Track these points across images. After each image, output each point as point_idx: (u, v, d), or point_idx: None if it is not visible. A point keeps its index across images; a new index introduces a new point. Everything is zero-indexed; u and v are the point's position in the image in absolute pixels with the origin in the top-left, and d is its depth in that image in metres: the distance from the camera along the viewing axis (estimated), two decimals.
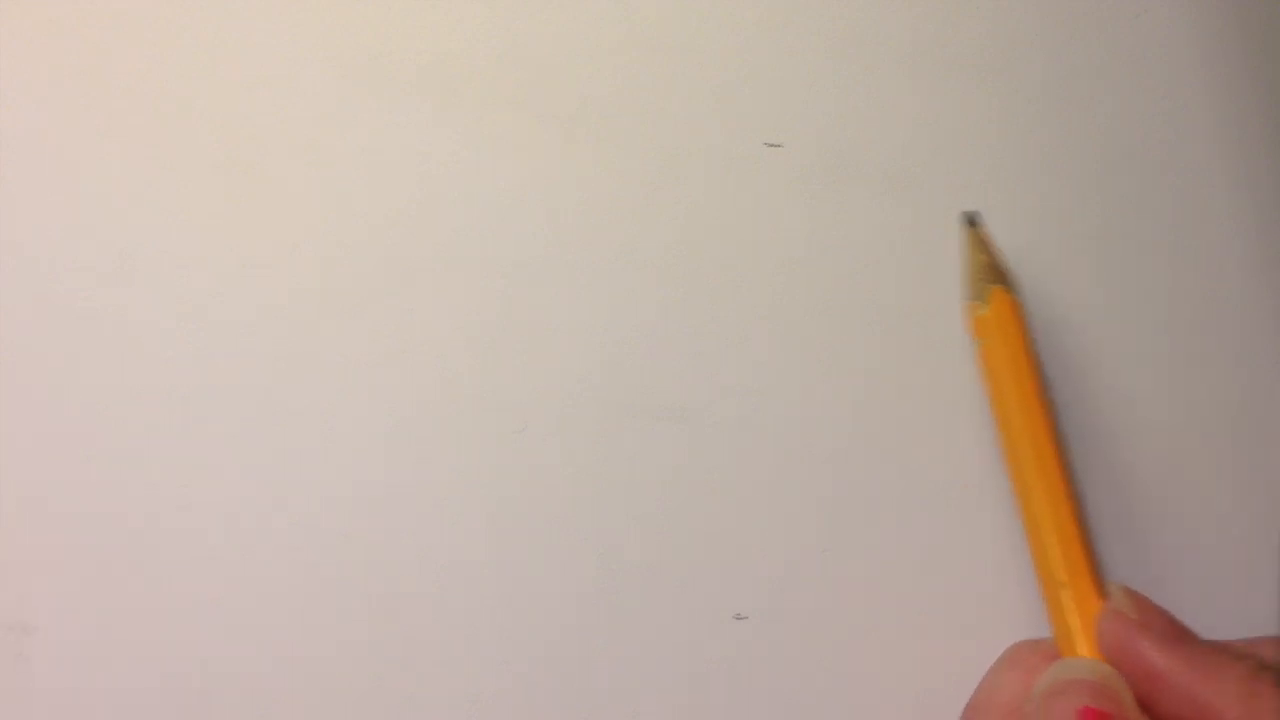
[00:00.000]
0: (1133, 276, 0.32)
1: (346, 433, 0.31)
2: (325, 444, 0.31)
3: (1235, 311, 0.32)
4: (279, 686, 0.30)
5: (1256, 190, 0.32)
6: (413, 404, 0.31)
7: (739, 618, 0.31)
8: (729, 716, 0.30)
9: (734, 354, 0.31)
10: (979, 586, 0.31)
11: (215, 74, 0.31)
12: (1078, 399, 0.32)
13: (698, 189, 0.31)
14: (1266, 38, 0.33)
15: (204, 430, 0.30)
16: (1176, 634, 0.24)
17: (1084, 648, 0.26)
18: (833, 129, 0.32)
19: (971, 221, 0.30)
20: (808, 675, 0.31)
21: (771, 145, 0.32)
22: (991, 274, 0.29)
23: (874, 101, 0.32)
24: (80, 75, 0.31)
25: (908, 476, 0.31)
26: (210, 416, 0.30)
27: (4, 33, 0.31)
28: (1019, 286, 0.30)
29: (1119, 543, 0.31)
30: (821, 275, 0.32)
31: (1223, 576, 0.31)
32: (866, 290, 0.32)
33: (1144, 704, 0.24)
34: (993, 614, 0.30)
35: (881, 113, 0.32)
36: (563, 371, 0.31)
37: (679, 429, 0.31)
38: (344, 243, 0.31)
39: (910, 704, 0.30)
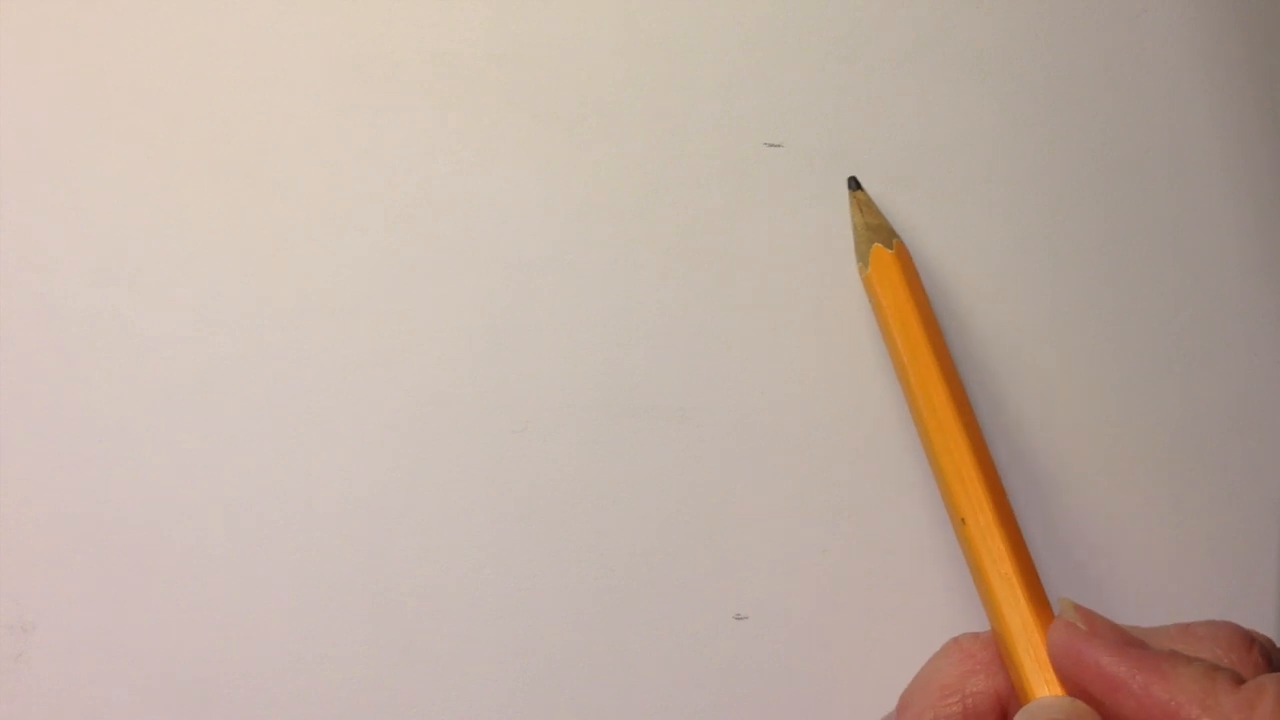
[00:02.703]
0: (1133, 277, 0.32)
1: (346, 433, 0.31)
2: (325, 444, 0.31)
3: (1236, 311, 0.32)
4: (279, 686, 0.30)
5: (1256, 190, 0.32)
6: (413, 404, 0.31)
7: (739, 618, 0.31)
8: (729, 716, 0.30)
9: (734, 354, 0.31)
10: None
11: (215, 73, 0.31)
12: (1077, 398, 0.32)
13: (698, 189, 0.31)
14: (1266, 38, 0.33)
15: (204, 430, 0.30)
16: (1127, 640, 0.24)
17: (1031, 662, 0.25)
18: (833, 129, 0.32)
19: (852, 186, 0.30)
20: (808, 675, 0.31)
21: (771, 145, 0.32)
22: (872, 234, 0.30)
23: (874, 101, 0.32)
24: (80, 75, 0.31)
25: (909, 477, 0.31)
26: (210, 416, 0.30)
27: (4, 33, 0.31)
28: (900, 241, 0.30)
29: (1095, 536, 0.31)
30: (822, 275, 0.32)
31: (1188, 575, 0.31)
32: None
33: (1103, 714, 0.24)
34: None
35: (881, 113, 0.32)
36: (563, 371, 0.31)
37: (679, 429, 0.31)
38: (344, 242, 0.31)
39: None
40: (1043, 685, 0.25)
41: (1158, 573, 0.31)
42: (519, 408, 0.31)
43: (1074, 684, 0.25)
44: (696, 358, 0.31)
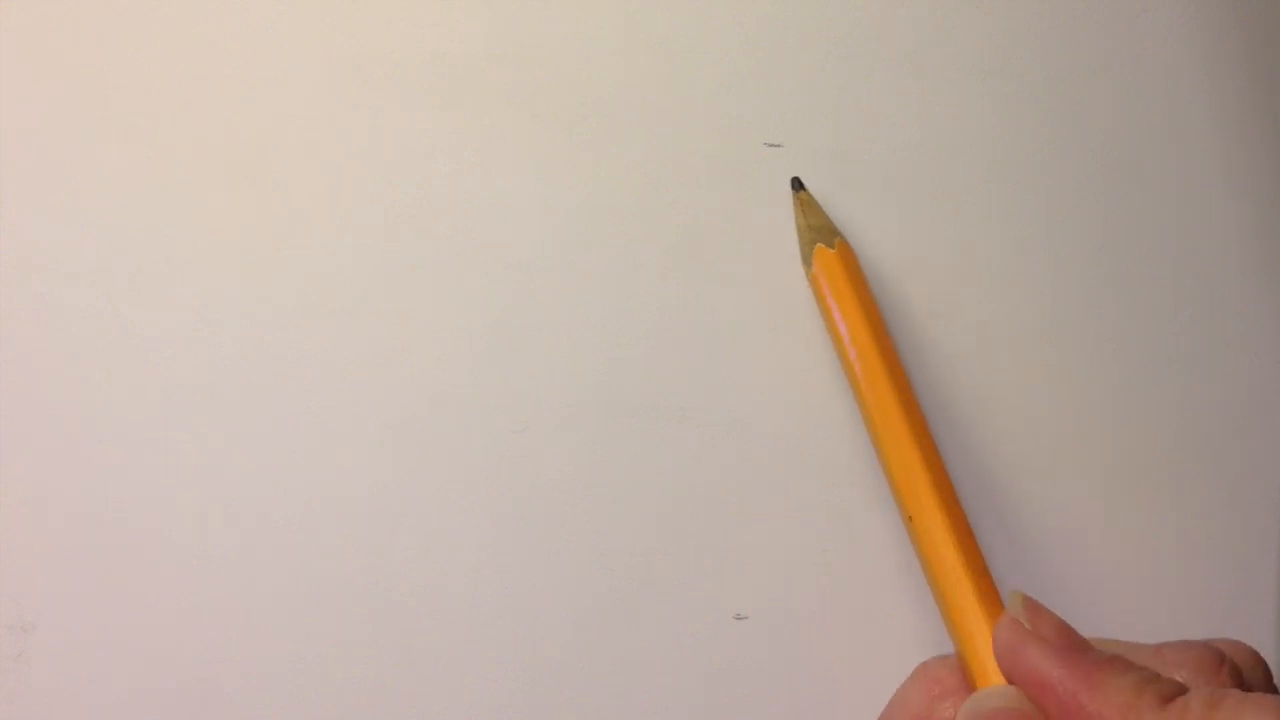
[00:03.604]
0: (1133, 277, 0.32)
1: (346, 433, 0.31)
2: (325, 444, 0.31)
3: (1236, 311, 0.32)
4: (279, 686, 0.30)
5: (1256, 190, 0.32)
6: (413, 404, 0.31)
7: (739, 618, 0.31)
8: (729, 716, 0.30)
9: (734, 354, 0.31)
10: None
11: (215, 73, 0.31)
12: (1072, 399, 0.32)
13: (698, 189, 0.31)
14: (1266, 37, 0.33)
15: (204, 430, 0.30)
16: (1069, 644, 0.24)
17: (982, 655, 0.25)
18: (833, 129, 0.32)
19: (795, 187, 0.30)
20: (808, 675, 0.31)
21: (771, 145, 0.32)
22: (814, 234, 0.30)
23: (874, 101, 0.32)
24: (80, 75, 0.31)
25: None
26: (210, 416, 0.30)
27: (4, 33, 0.31)
28: (843, 240, 0.29)
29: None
30: None
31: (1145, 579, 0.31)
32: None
33: (1043, 715, 0.24)
34: None
35: (881, 113, 0.32)
36: (563, 371, 0.31)
37: (679, 429, 0.31)
38: (344, 242, 0.31)
39: None
40: (990, 677, 0.25)
41: (1158, 573, 0.31)
42: (519, 408, 0.31)
43: (1014, 681, 0.25)
44: (696, 358, 0.31)
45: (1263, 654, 0.26)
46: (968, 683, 0.26)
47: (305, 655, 0.30)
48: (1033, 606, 0.25)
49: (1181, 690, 0.23)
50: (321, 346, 0.31)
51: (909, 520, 0.27)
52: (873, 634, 0.30)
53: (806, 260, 0.30)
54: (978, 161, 0.32)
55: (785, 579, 0.31)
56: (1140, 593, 0.31)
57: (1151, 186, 0.32)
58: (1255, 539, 0.32)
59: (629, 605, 0.30)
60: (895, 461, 0.27)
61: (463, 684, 0.30)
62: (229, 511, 0.30)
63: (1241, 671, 0.25)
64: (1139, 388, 0.32)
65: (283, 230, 0.31)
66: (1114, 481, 0.32)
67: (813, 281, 0.30)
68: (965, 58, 0.32)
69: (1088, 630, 0.25)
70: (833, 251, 0.29)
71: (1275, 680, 0.26)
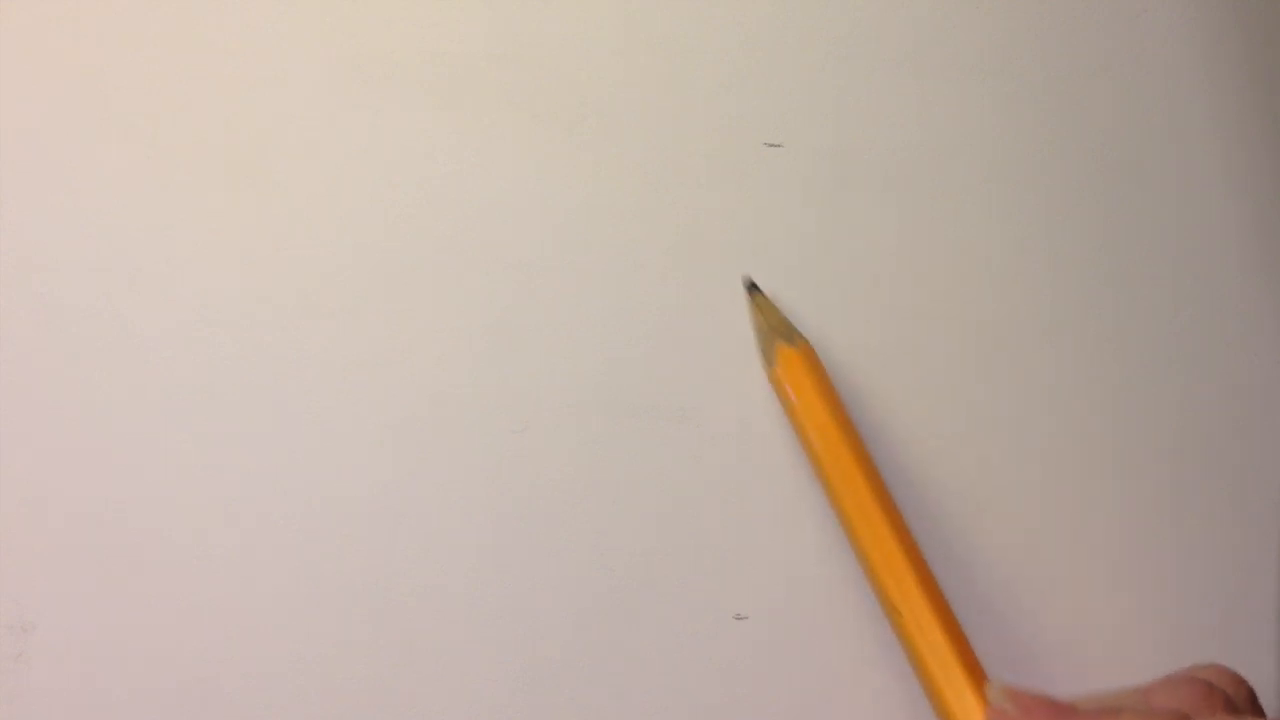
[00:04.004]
0: (1133, 277, 0.32)
1: (346, 433, 0.31)
2: (325, 444, 0.31)
3: (1236, 311, 0.32)
4: (279, 686, 0.30)
5: (1256, 190, 0.32)
6: (413, 404, 0.31)
7: (739, 618, 0.31)
8: (729, 716, 0.30)
9: (734, 354, 0.31)
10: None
11: (215, 74, 0.31)
12: (1073, 399, 0.32)
13: (698, 189, 0.31)
14: (1266, 37, 0.33)
15: (203, 430, 0.30)
16: (1057, 711, 0.25)
17: None
18: (833, 129, 0.32)
19: (749, 288, 0.31)
20: (808, 675, 0.31)
21: (771, 145, 0.32)
22: (775, 334, 0.30)
23: (874, 101, 0.32)
24: (80, 75, 0.31)
25: (909, 477, 0.31)
26: (209, 416, 0.30)
27: (4, 33, 0.31)
28: (804, 339, 0.30)
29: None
30: (822, 275, 0.32)
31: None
32: (867, 291, 0.32)
33: None
34: (991, 610, 0.30)
35: (881, 113, 0.32)
36: (563, 371, 0.31)
37: (679, 429, 0.31)
38: (344, 242, 0.31)
39: (909, 703, 0.30)
40: None
41: (1158, 574, 0.31)
42: (519, 408, 0.31)
43: None
44: (696, 358, 0.31)
45: (1263, 653, 0.26)
46: None
47: (305, 655, 0.30)
48: (1012, 694, 0.26)
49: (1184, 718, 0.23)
50: (321, 346, 0.31)
51: (895, 614, 0.27)
52: (873, 634, 0.30)
53: (769, 360, 0.30)
54: (978, 161, 0.32)
55: (785, 579, 0.31)
56: (1141, 593, 0.31)
57: (1151, 186, 0.32)
58: (1255, 539, 0.32)
59: (629, 605, 0.30)
60: (878, 560, 0.28)
61: (463, 684, 0.30)
62: (229, 511, 0.30)
63: (1230, 697, 0.25)
64: (1139, 388, 0.32)
65: (283, 230, 0.31)
66: (1114, 482, 0.32)
67: (775, 380, 0.30)
68: (965, 58, 0.32)
69: (1075, 675, 0.26)
70: (795, 350, 0.30)
71: (1262, 700, 0.27)
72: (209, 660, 0.30)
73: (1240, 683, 0.26)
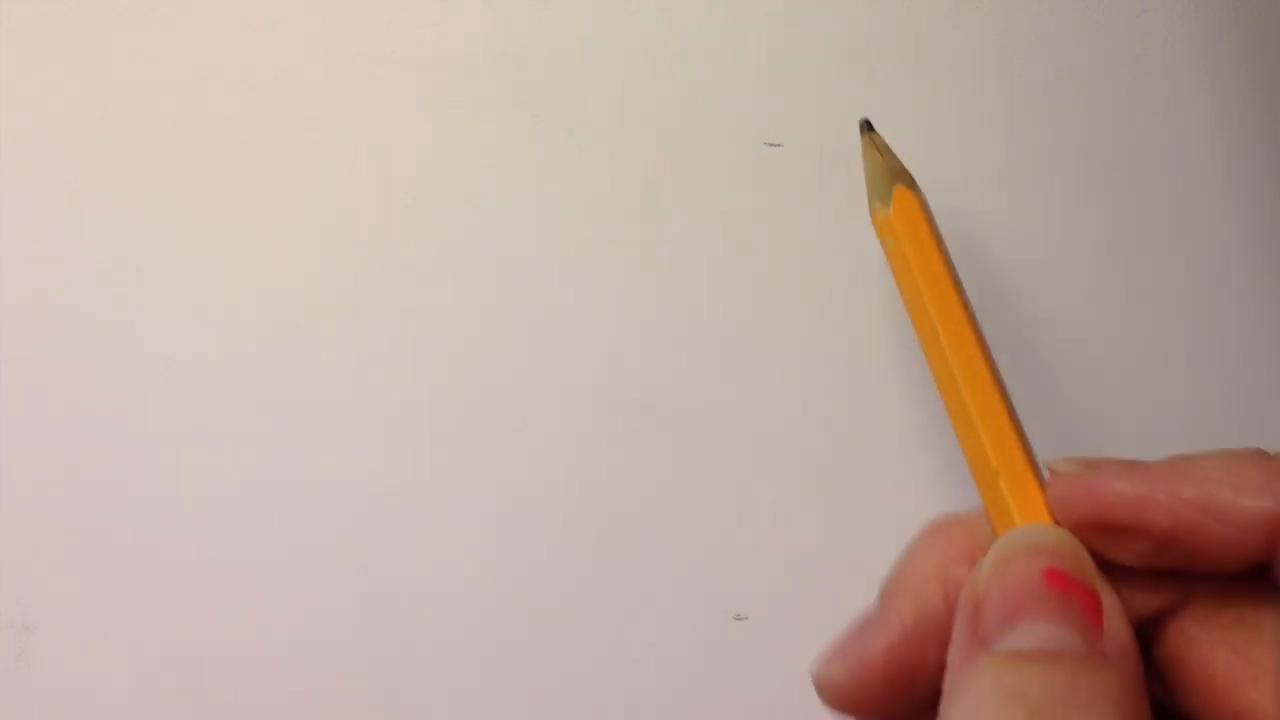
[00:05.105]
0: (1133, 277, 0.32)
1: (345, 433, 0.31)
2: (324, 444, 0.31)
3: (1236, 311, 0.32)
4: (278, 685, 0.30)
5: (1256, 190, 0.32)
6: (412, 404, 0.31)
7: (739, 618, 0.31)
8: (729, 716, 0.30)
9: (734, 354, 0.31)
10: None
11: (215, 74, 0.31)
12: (1073, 399, 0.32)
13: (698, 189, 0.31)
14: (1266, 37, 0.33)
15: (203, 430, 0.30)
16: (1132, 466, 0.23)
17: (1021, 489, 0.24)
18: (833, 129, 0.32)
19: (866, 128, 0.29)
20: (808, 675, 0.31)
21: (771, 145, 0.32)
22: (892, 176, 0.28)
23: (874, 101, 0.32)
24: (80, 76, 0.31)
25: (910, 476, 0.31)
26: (209, 416, 0.30)
27: (4, 33, 0.31)
28: (919, 187, 0.29)
29: None
30: (821, 275, 0.32)
31: None
32: (866, 291, 0.32)
33: (1129, 535, 0.23)
34: None
35: (881, 113, 0.32)
36: (562, 371, 0.31)
37: (679, 429, 0.31)
38: (344, 243, 0.31)
39: None
40: (1029, 517, 0.24)
41: None
42: (518, 407, 0.31)
43: (1088, 525, 0.23)
44: (696, 358, 0.31)
45: None
46: (996, 530, 0.24)
47: (304, 654, 0.30)
48: (1081, 459, 0.24)
49: (1266, 453, 0.22)
50: (322, 346, 0.31)
51: (992, 476, 0.25)
52: None
53: (882, 200, 0.28)
54: (978, 161, 0.32)
55: (785, 579, 0.31)
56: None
57: (1152, 187, 0.32)
58: None
59: (629, 605, 0.30)
60: (980, 418, 0.25)
61: (462, 682, 0.30)
62: (228, 511, 0.30)
63: None
64: (1139, 388, 0.32)
65: (283, 230, 0.31)
66: None
67: (885, 226, 0.28)
68: (966, 58, 0.32)
69: None
70: (915, 195, 0.28)
71: None
72: (209, 660, 0.30)
73: None
